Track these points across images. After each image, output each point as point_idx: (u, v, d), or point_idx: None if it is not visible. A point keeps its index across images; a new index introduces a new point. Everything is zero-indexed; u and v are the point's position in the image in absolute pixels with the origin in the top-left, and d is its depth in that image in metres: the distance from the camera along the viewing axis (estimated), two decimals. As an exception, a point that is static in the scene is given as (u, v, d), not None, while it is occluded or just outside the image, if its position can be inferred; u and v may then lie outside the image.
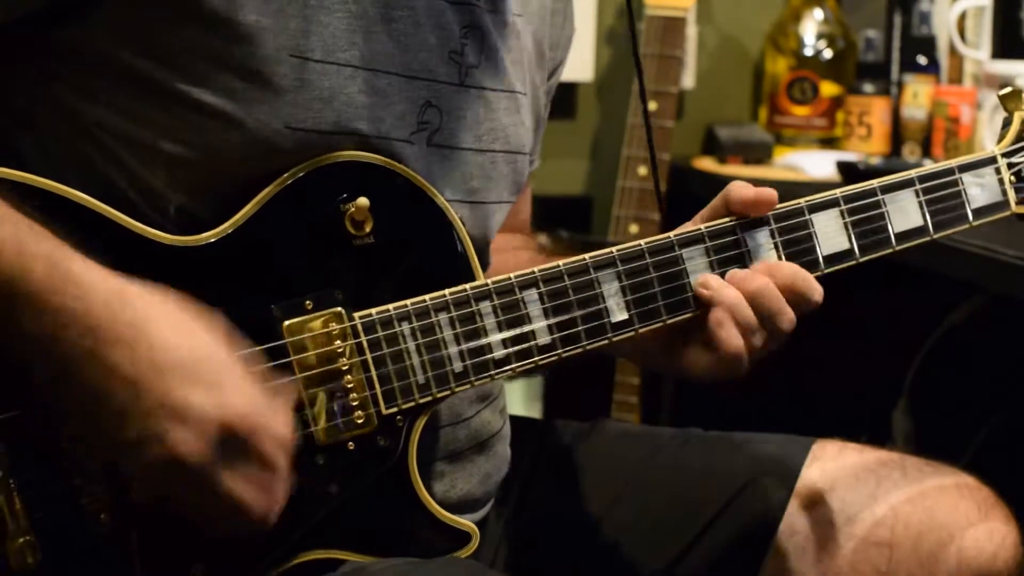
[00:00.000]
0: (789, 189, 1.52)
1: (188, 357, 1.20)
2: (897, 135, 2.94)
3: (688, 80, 3.06)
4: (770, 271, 1.42)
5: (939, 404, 2.68)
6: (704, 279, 1.42)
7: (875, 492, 1.56)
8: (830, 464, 1.60)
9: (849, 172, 2.61)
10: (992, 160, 1.54)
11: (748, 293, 1.41)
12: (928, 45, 2.91)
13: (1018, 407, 2.55)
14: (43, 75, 1.32)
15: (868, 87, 2.96)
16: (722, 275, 1.43)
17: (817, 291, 1.43)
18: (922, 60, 2.90)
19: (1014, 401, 2.56)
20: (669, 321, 1.42)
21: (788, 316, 1.41)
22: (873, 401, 2.73)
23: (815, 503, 1.58)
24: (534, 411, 2.78)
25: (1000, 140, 1.56)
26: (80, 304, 1.18)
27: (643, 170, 2.72)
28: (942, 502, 1.54)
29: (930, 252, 2.06)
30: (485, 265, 1.49)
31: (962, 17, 2.76)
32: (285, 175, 1.32)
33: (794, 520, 1.58)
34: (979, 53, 2.72)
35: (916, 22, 2.93)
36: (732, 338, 1.40)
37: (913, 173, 1.50)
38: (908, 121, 2.88)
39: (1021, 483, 1.62)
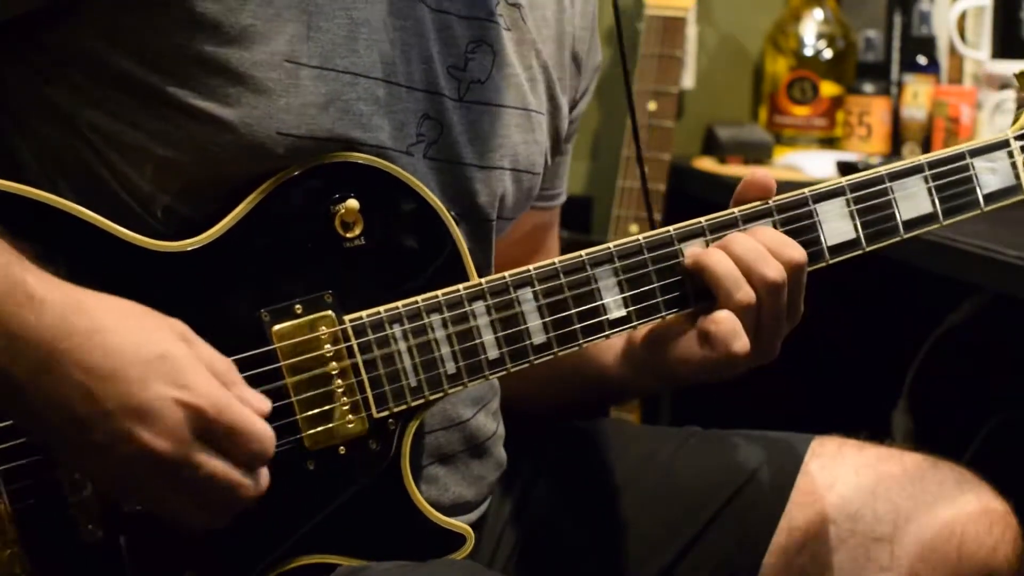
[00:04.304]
0: (789, 189, 1.51)
1: (142, 357, 1.18)
2: (897, 135, 2.94)
3: (688, 80, 3.06)
4: (751, 232, 1.42)
5: (939, 404, 2.68)
6: (690, 254, 1.41)
7: (875, 488, 1.56)
8: (830, 460, 1.60)
9: (849, 172, 2.59)
10: (1005, 144, 1.52)
11: (731, 252, 1.40)
12: (928, 45, 2.90)
13: (1018, 407, 2.55)
14: (36, 77, 1.32)
15: (868, 87, 2.96)
16: None
17: (795, 248, 1.41)
18: (922, 60, 2.89)
19: (1014, 401, 2.56)
20: (668, 317, 1.42)
21: (774, 264, 1.40)
22: (873, 401, 2.72)
23: (815, 499, 1.58)
24: (534, 412, 2.77)
25: (1014, 122, 1.54)
26: (33, 314, 1.17)
27: (643, 170, 2.72)
28: (942, 497, 1.54)
29: (930, 252, 2.06)
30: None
31: (962, 17, 2.75)
32: (274, 178, 1.32)
33: (794, 517, 1.58)
34: (979, 53, 2.72)
35: (916, 22, 2.92)
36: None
37: (923, 159, 1.47)
38: (908, 121, 2.88)
39: (1021, 482, 1.61)
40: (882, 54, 3.01)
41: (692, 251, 1.41)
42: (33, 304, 1.18)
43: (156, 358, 1.19)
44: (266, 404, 1.25)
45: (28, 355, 1.17)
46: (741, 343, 1.40)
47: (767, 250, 1.40)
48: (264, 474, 1.24)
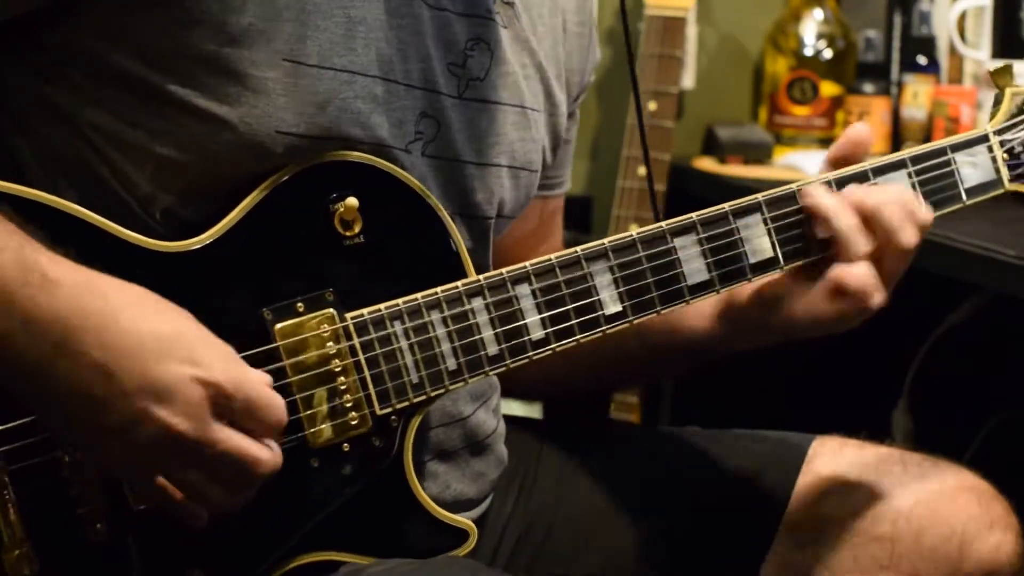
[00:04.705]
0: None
1: (158, 335, 1.19)
2: (897, 135, 2.94)
3: (688, 80, 3.06)
4: (884, 191, 1.44)
5: (939, 404, 2.68)
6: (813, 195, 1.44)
7: (876, 487, 1.57)
8: (830, 460, 1.61)
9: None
10: (984, 138, 1.53)
11: (867, 210, 1.43)
12: (928, 45, 2.90)
13: (1018, 407, 2.55)
14: (37, 77, 1.32)
15: (868, 87, 2.96)
16: (719, 270, 1.43)
17: (926, 214, 1.45)
18: (922, 60, 2.89)
19: (1014, 401, 2.56)
20: (663, 311, 1.42)
21: (908, 232, 1.43)
22: (873, 401, 2.72)
23: (816, 499, 1.58)
24: (534, 411, 2.77)
25: (992, 117, 1.55)
26: (47, 296, 1.18)
27: (643, 170, 2.72)
28: (943, 496, 1.55)
29: (930, 252, 2.06)
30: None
31: (962, 17, 2.75)
32: (273, 177, 1.32)
33: (795, 516, 1.59)
34: (979, 53, 2.72)
35: (916, 22, 2.92)
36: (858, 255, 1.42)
37: (905, 154, 1.49)
38: (908, 121, 2.88)
39: (1021, 482, 1.61)
40: (882, 54, 3.01)
41: (822, 202, 1.44)
42: (47, 285, 1.18)
43: (171, 336, 1.20)
44: (268, 380, 1.26)
45: (44, 337, 1.18)
46: (880, 296, 1.44)
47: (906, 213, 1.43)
48: (277, 447, 1.25)
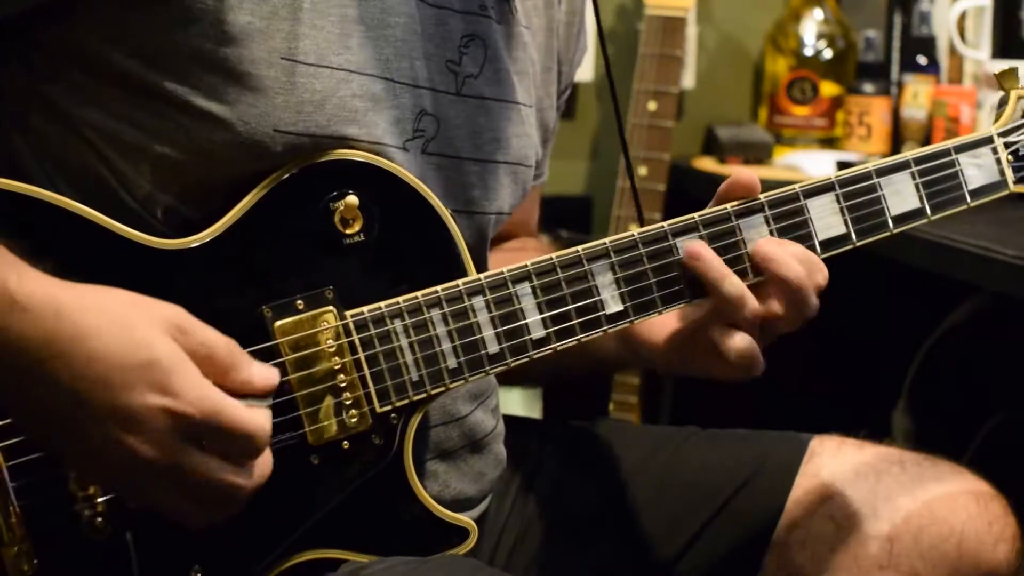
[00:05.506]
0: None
1: (128, 363, 1.17)
2: (897, 135, 2.94)
3: (688, 80, 3.06)
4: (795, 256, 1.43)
5: (939, 404, 2.68)
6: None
7: (875, 486, 1.57)
8: (829, 459, 1.61)
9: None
10: (989, 140, 1.53)
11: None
12: (928, 45, 2.90)
13: (1018, 407, 2.55)
14: (35, 75, 1.32)
15: (868, 87, 2.96)
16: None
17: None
18: (922, 60, 2.89)
19: (1014, 401, 2.56)
20: (664, 311, 1.42)
21: (814, 303, 1.42)
22: (873, 401, 2.72)
23: (815, 498, 1.58)
24: (534, 411, 2.78)
25: (996, 119, 1.55)
26: (14, 321, 1.16)
27: (643, 170, 2.72)
28: (942, 495, 1.55)
29: (930, 252, 2.06)
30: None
31: (962, 17, 2.75)
32: (274, 175, 1.32)
33: (794, 515, 1.59)
34: (979, 53, 2.72)
35: (916, 22, 2.92)
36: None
37: (909, 155, 1.49)
38: (908, 121, 2.88)
39: (1021, 482, 1.61)
40: (882, 54, 3.00)
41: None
42: (15, 310, 1.16)
43: (143, 364, 1.17)
44: (273, 377, 1.25)
45: (13, 363, 1.16)
46: (759, 367, 1.42)
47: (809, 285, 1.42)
48: (260, 466, 1.23)
